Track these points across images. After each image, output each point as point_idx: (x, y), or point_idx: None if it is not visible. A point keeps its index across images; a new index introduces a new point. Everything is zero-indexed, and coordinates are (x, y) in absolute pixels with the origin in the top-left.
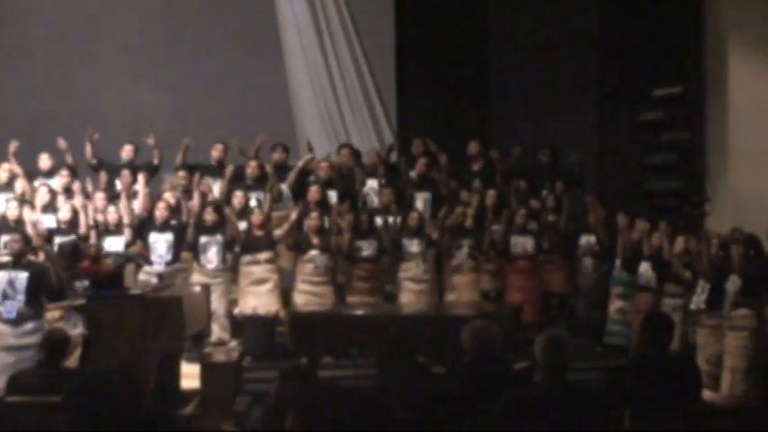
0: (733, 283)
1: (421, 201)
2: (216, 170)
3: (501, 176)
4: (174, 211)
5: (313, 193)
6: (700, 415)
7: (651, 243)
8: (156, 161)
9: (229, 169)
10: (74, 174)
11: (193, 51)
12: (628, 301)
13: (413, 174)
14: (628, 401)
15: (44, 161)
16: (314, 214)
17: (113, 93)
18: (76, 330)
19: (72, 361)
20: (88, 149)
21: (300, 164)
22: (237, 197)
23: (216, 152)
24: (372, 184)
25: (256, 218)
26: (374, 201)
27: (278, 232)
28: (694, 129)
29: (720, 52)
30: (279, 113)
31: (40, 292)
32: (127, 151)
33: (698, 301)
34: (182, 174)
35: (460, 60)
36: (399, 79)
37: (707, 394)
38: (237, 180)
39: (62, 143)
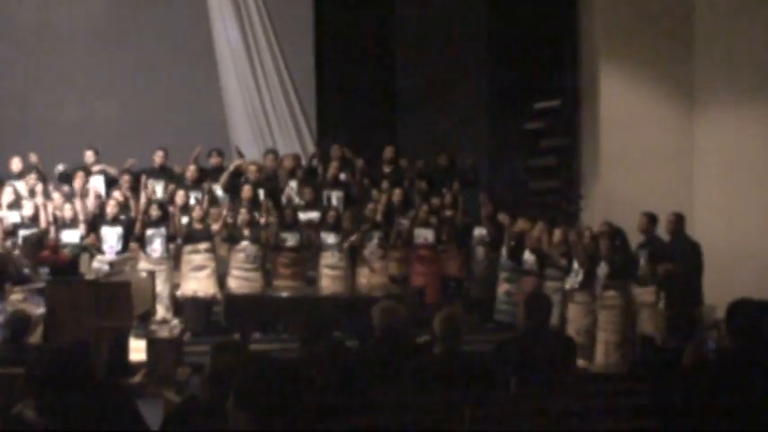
0: (602, 270)
1: (335, 198)
2: (158, 173)
3: (407, 179)
4: (124, 207)
5: (245, 191)
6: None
7: (532, 236)
8: (113, 171)
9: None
10: (42, 178)
11: (139, 67)
12: (514, 283)
13: (328, 175)
14: (514, 370)
15: (15, 164)
16: (245, 210)
17: (71, 103)
18: (39, 310)
19: (35, 337)
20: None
21: (231, 167)
22: (179, 196)
23: (158, 158)
24: (293, 184)
25: (197, 213)
26: (295, 199)
27: (215, 227)
28: (570, 135)
29: (592, 70)
30: (215, 123)
31: (3, 279)
32: (88, 156)
33: (572, 282)
34: (126, 178)
35: (372, 78)
36: (319, 93)
37: (579, 362)
38: (179, 182)
39: (33, 157)
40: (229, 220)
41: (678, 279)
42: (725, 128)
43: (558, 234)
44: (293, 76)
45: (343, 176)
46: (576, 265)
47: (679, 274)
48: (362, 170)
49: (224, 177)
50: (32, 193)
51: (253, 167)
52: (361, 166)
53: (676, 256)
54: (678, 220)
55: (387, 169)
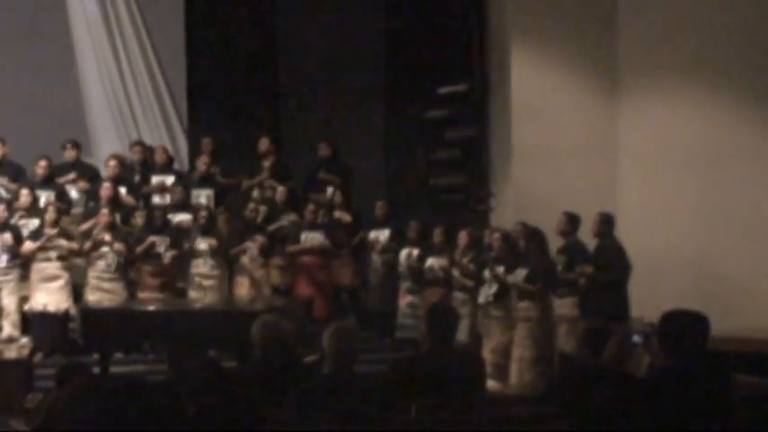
0: (517, 277)
1: (204, 197)
2: None
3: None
4: None
5: (105, 190)
6: (482, 404)
7: (434, 241)
8: None
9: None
10: None
11: None
12: (417, 295)
13: (196, 172)
14: (414, 392)
15: None
16: (105, 211)
17: None
18: None
19: None
20: None
21: None
22: (23, 195)
23: None
24: (162, 180)
25: (49, 216)
26: (165, 198)
27: (87, 245)
28: (478, 125)
29: (503, 51)
30: (68, 109)
31: None
32: None
33: (486, 293)
34: None
35: (251, 58)
36: (190, 76)
37: (491, 384)
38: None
39: None
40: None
41: (600, 286)
42: (652, 115)
43: (464, 237)
44: (160, 55)
45: (214, 172)
46: (487, 273)
47: (600, 280)
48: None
49: None
50: None
51: (113, 162)
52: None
53: (600, 262)
54: (605, 221)
55: (266, 163)
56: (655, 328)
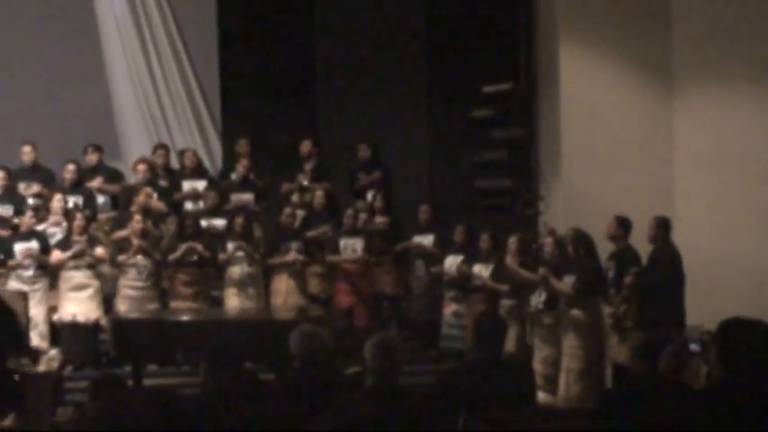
0: (566, 284)
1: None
2: (29, 173)
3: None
4: None
5: (143, 196)
6: (532, 417)
7: (481, 246)
8: None
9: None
10: None
11: (4, 48)
12: (462, 303)
13: (234, 176)
14: (460, 405)
15: None
16: (138, 217)
17: None
18: None
19: None
20: None
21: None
22: (56, 201)
23: (26, 155)
24: (193, 185)
25: (78, 223)
26: (198, 204)
27: (99, 251)
28: (525, 126)
29: (551, 48)
30: (97, 111)
31: None
32: None
33: (536, 301)
34: (1, 174)
35: (287, 56)
36: (223, 77)
37: (542, 396)
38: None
39: None
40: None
41: (653, 294)
42: (710, 113)
43: (514, 242)
44: (193, 56)
45: (253, 175)
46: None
47: (654, 288)
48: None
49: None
50: None
51: (141, 166)
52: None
53: (654, 269)
54: (661, 226)
55: (307, 166)
56: (713, 336)
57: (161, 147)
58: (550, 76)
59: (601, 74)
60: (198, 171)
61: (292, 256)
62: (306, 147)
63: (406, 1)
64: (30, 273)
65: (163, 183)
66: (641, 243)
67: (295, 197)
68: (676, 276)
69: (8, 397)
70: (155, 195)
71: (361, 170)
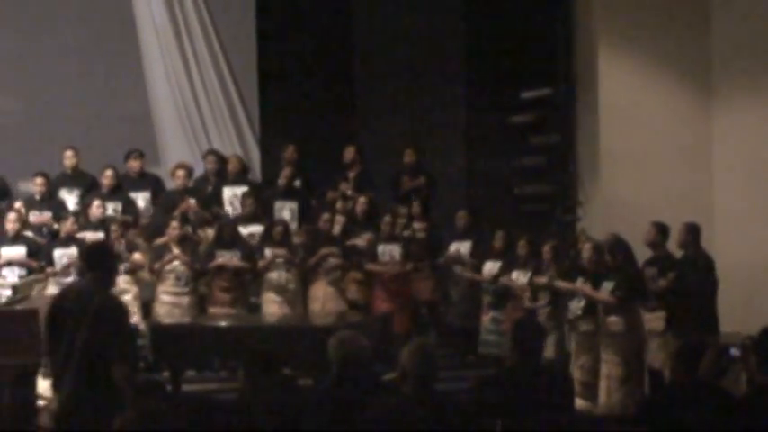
0: (605, 291)
1: (287, 211)
2: (70, 179)
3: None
4: (26, 222)
5: (185, 204)
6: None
7: (518, 253)
8: None
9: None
10: None
11: (46, 55)
12: (500, 309)
13: (280, 182)
14: (498, 411)
15: None
16: (174, 224)
17: None
18: None
19: None
20: None
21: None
22: (94, 207)
23: (67, 160)
24: (234, 191)
25: (115, 232)
26: (237, 209)
27: (137, 256)
28: (564, 131)
29: (590, 53)
30: (138, 118)
31: None
32: None
33: (575, 308)
34: (39, 181)
35: (326, 62)
36: (262, 83)
37: (580, 403)
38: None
39: None
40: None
41: (686, 300)
42: (750, 119)
43: (548, 251)
44: (232, 62)
45: (297, 183)
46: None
47: (688, 293)
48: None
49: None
50: None
51: (181, 171)
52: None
53: (688, 275)
54: (691, 232)
55: (351, 173)
56: (753, 342)
57: (211, 152)
58: (589, 81)
59: (639, 79)
60: (241, 177)
61: (332, 261)
62: (349, 154)
63: (445, 6)
64: (68, 279)
65: (209, 189)
66: (675, 249)
67: (339, 204)
68: (709, 281)
69: (111, 402)
70: (193, 203)
71: (405, 175)
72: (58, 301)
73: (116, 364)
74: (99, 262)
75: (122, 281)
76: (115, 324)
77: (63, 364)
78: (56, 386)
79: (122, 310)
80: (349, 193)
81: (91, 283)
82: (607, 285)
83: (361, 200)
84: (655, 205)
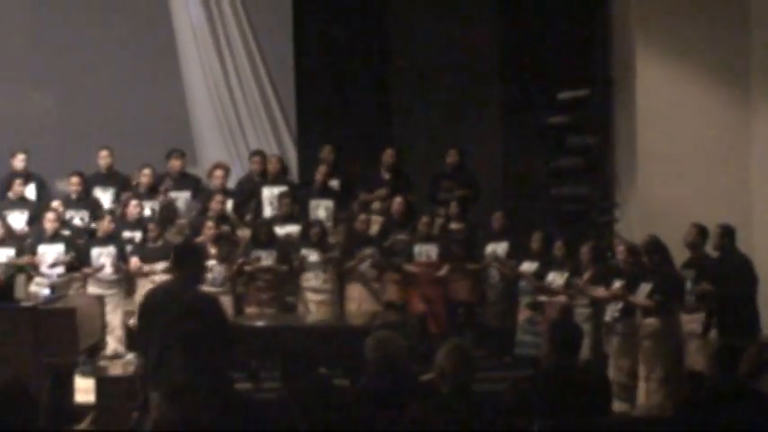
0: (642, 292)
1: (323, 209)
2: (105, 178)
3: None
4: (64, 221)
5: (215, 203)
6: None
7: (555, 254)
8: None
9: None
10: None
11: (83, 53)
12: (537, 310)
13: (317, 179)
14: (535, 412)
15: None
16: (210, 224)
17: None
18: None
19: None
20: None
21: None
22: (132, 206)
23: (102, 159)
24: (273, 191)
25: (152, 232)
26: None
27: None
28: (601, 132)
29: (627, 53)
30: (174, 118)
31: None
32: (19, 160)
33: (612, 310)
34: (75, 180)
35: (362, 62)
36: (299, 83)
37: (617, 405)
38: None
39: None
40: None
41: (725, 302)
42: None
43: (586, 252)
44: (268, 62)
45: (334, 184)
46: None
47: (727, 296)
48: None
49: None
50: None
51: (219, 172)
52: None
53: (725, 277)
54: (726, 234)
55: (386, 176)
56: None
57: (257, 153)
58: (626, 82)
59: (677, 80)
60: (281, 177)
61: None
62: (389, 156)
63: (481, 7)
64: (107, 278)
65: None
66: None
67: (376, 205)
68: (748, 283)
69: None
70: (229, 203)
71: (446, 176)
72: (148, 299)
73: (220, 351)
74: (187, 261)
75: (158, 281)
76: (212, 315)
77: (158, 358)
78: (151, 378)
79: (216, 303)
80: (384, 193)
81: (179, 282)
82: (644, 287)
83: (397, 200)
84: (692, 206)
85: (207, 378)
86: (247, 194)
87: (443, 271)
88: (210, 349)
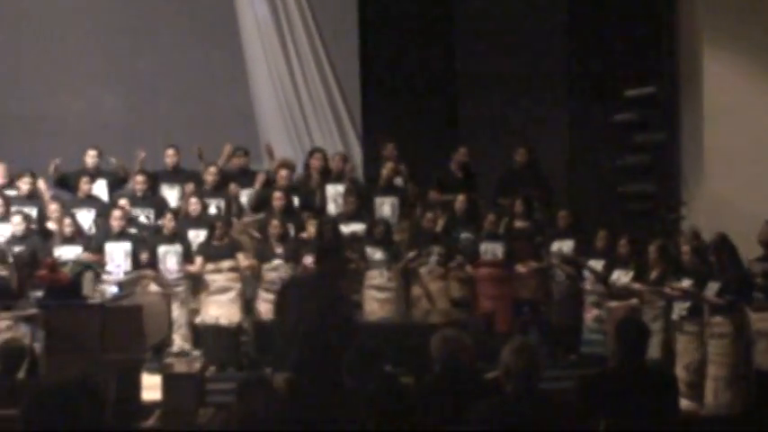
0: (710, 291)
1: (388, 206)
2: (172, 176)
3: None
4: (131, 219)
5: (277, 199)
6: (675, 424)
7: (620, 252)
8: (122, 173)
9: (260, 177)
10: (35, 177)
11: (151, 51)
12: (604, 308)
13: (383, 174)
14: (601, 411)
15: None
16: (276, 222)
17: (69, 94)
18: (25, 341)
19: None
20: (51, 171)
21: (258, 186)
22: (192, 204)
23: (169, 157)
24: (337, 189)
25: (219, 231)
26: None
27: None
28: (668, 129)
29: (694, 51)
30: (239, 115)
31: None
32: (90, 156)
33: (680, 308)
34: (140, 179)
35: (428, 60)
36: (364, 80)
37: (685, 404)
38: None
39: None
40: (256, 234)
41: None
42: None
43: (654, 251)
44: (334, 61)
45: (399, 181)
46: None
47: None
48: (407, 177)
49: (252, 197)
50: (31, 199)
51: (284, 171)
52: (406, 171)
53: None
54: None
55: (459, 174)
56: None
57: (318, 150)
58: (693, 79)
59: (744, 77)
60: (344, 175)
61: (430, 265)
62: (461, 155)
63: (548, 4)
64: (172, 276)
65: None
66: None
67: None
68: None
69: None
70: (233, 187)
71: (515, 174)
72: (285, 287)
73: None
74: (326, 261)
75: (225, 278)
76: (338, 318)
77: (286, 345)
78: (283, 361)
79: (349, 305)
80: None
81: (316, 279)
82: (712, 286)
83: (460, 197)
84: (759, 203)
85: (321, 377)
86: (313, 191)
87: (523, 269)
88: (334, 349)
